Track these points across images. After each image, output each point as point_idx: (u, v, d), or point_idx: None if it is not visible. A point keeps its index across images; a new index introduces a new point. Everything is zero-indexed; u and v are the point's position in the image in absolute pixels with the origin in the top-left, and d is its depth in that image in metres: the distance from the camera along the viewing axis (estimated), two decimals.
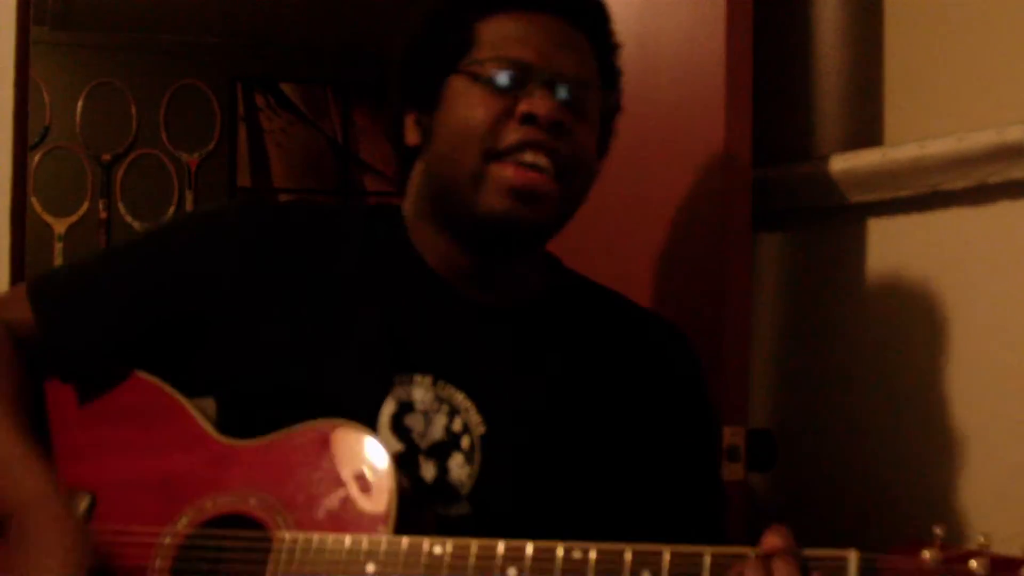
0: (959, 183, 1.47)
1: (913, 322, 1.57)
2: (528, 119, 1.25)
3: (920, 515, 1.54)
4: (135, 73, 4.81)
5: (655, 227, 1.76)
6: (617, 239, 1.84)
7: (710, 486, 1.39)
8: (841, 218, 1.69)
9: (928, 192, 1.52)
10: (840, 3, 1.76)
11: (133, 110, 4.82)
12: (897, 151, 1.55)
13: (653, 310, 1.42)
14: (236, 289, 1.29)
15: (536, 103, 1.25)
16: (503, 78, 1.27)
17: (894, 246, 1.62)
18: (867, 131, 1.69)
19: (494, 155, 1.25)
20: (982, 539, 0.94)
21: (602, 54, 1.35)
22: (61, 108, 4.69)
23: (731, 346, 1.57)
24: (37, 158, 4.60)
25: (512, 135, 1.25)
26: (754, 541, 1.05)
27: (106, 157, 4.79)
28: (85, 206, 4.76)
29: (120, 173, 4.82)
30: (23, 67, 2.09)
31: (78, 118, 4.75)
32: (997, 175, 1.42)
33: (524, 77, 1.27)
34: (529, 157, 1.25)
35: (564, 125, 1.26)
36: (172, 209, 4.84)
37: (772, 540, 1.03)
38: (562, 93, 1.27)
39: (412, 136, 1.34)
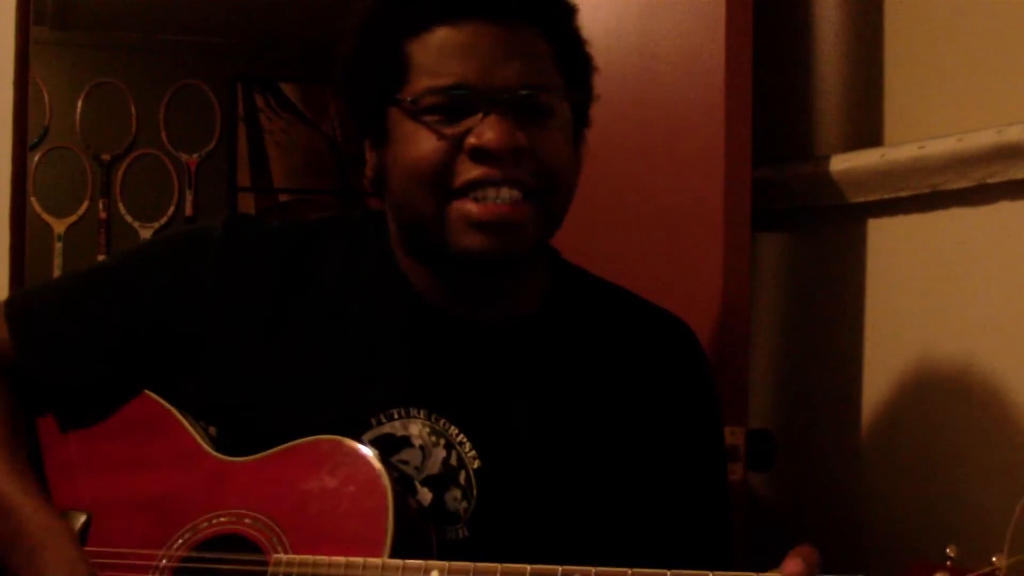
0: (959, 183, 1.47)
1: (913, 322, 1.57)
2: (479, 154, 1.14)
3: (920, 515, 1.54)
4: (135, 73, 4.80)
5: (655, 227, 1.76)
6: (617, 239, 1.84)
7: (716, 488, 1.33)
8: (841, 218, 1.69)
9: (928, 192, 1.52)
10: (840, 3, 1.76)
11: (133, 110, 4.81)
12: (897, 151, 1.55)
13: (657, 306, 1.37)
14: (217, 310, 1.26)
15: (485, 134, 1.13)
16: (443, 110, 1.15)
17: (894, 246, 1.62)
18: (867, 131, 1.69)
19: (450, 194, 1.16)
20: (995, 560, 0.92)
21: (557, 40, 1.20)
22: (61, 108, 4.69)
23: (731, 346, 1.57)
24: (37, 158, 4.60)
25: (465, 173, 1.15)
26: (753, 542, 1.05)
27: (106, 157, 4.78)
28: (85, 206, 4.75)
29: (120, 173, 4.81)
30: (23, 67, 2.10)
31: (78, 118, 4.74)
32: (997, 175, 1.42)
33: (467, 103, 1.15)
34: (491, 194, 1.15)
35: (522, 148, 1.15)
36: (172, 209, 4.84)
37: (792, 566, 0.98)
38: (514, 105, 1.15)
39: (370, 168, 1.24)
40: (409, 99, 1.17)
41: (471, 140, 1.14)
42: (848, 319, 1.68)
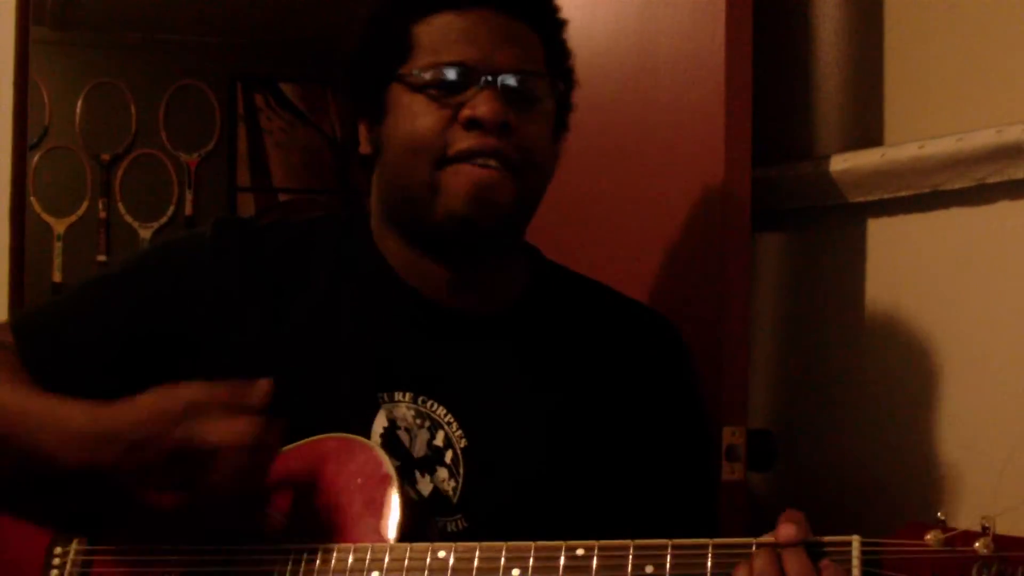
0: (959, 183, 1.47)
1: (912, 322, 1.57)
2: (472, 124, 1.24)
3: (921, 514, 1.54)
4: (135, 73, 4.81)
5: (655, 227, 1.76)
6: (617, 239, 1.84)
7: (700, 477, 1.39)
8: (841, 218, 1.69)
9: (928, 192, 1.52)
10: (840, 3, 1.76)
11: (133, 110, 4.82)
12: (897, 151, 1.55)
13: (637, 300, 1.43)
14: (211, 309, 1.29)
15: (479, 106, 1.24)
16: (442, 84, 1.26)
17: (894, 246, 1.62)
18: (867, 131, 1.69)
19: (445, 162, 1.25)
20: (984, 521, 0.96)
21: (548, 39, 1.33)
22: (61, 108, 4.69)
23: (731, 346, 1.57)
24: (36, 158, 4.60)
25: (460, 142, 1.25)
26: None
27: (106, 157, 4.79)
28: (84, 206, 4.76)
29: (120, 173, 4.82)
30: (23, 67, 2.10)
31: (78, 118, 4.75)
32: (997, 175, 1.42)
33: (464, 79, 1.26)
34: (479, 161, 1.24)
35: (511, 125, 1.25)
36: (172, 209, 4.84)
37: (786, 529, 1.04)
38: (507, 87, 1.26)
39: (365, 146, 1.34)
40: (411, 72, 1.27)
41: (466, 111, 1.25)
42: (848, 319, 1.68)
